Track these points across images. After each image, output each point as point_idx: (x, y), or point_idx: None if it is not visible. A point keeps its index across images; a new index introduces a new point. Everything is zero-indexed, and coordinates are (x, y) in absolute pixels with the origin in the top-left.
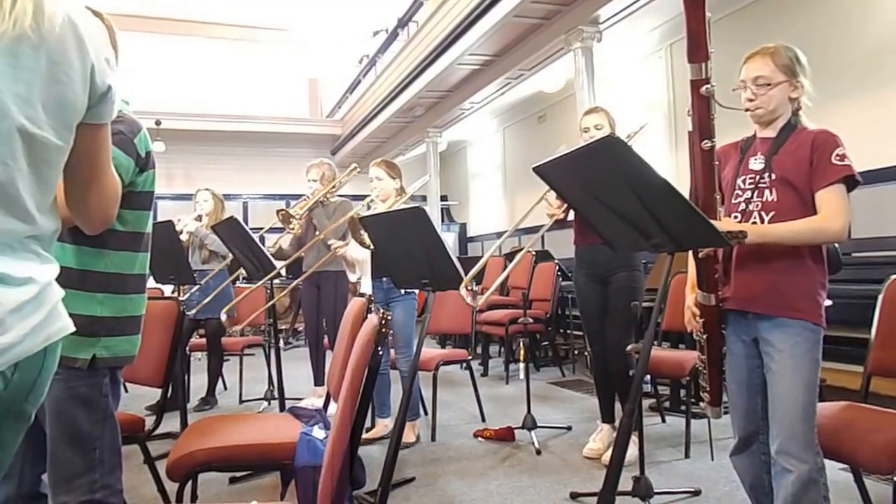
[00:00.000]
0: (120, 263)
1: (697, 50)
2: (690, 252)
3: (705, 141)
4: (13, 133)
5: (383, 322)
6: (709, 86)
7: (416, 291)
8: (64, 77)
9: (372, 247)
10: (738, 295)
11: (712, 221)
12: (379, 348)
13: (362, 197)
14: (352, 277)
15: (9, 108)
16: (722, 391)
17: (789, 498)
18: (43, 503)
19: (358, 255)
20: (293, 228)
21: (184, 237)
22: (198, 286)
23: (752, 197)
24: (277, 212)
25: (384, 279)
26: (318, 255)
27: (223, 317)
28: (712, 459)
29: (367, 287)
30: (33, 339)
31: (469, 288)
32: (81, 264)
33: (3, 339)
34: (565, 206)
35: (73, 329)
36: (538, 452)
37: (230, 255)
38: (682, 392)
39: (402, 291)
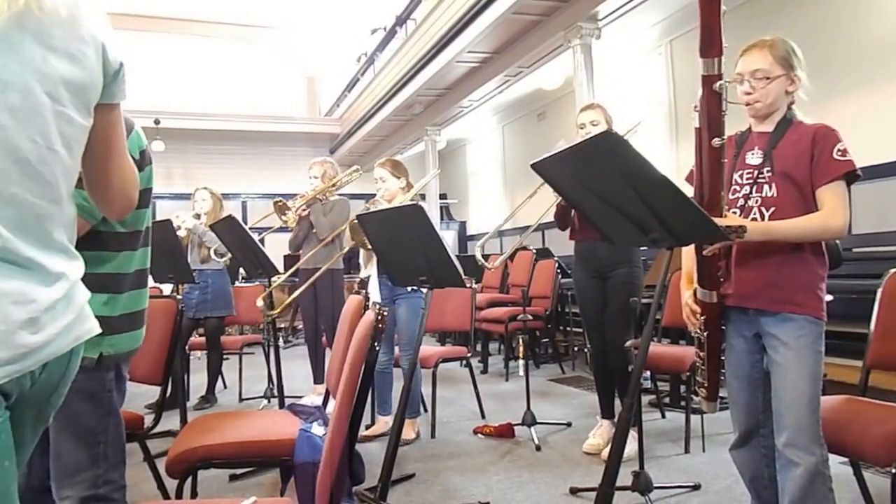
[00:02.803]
0: (120, 264)
1: (711, 44)
2: (692, 248)
3: (715, 138)
4: (40, 110)
5: (380, 318)
6: (721, 82)
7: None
8: (78, 53)
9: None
10: (739, 291)
11: (711, 216)
12: (376, 344)
13: (363, 196)
14: (363, 273)
15: (32, 85)
16: (719, 386)
17: (798, 491)
18: (51, 496)
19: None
20: (287, 220)
21: (181, 233)
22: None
23: (750, 192)
24: (274, 202)
25: None
26: (315, 253)
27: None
28: (703, 451)
29: (373, 284)
30: (64, 338)
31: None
32: None
33: (38, 338)
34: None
35: (100, 331)
36: (538, 448)
37: (228, 254)
38: (682, 388)
39: (409, 289)
